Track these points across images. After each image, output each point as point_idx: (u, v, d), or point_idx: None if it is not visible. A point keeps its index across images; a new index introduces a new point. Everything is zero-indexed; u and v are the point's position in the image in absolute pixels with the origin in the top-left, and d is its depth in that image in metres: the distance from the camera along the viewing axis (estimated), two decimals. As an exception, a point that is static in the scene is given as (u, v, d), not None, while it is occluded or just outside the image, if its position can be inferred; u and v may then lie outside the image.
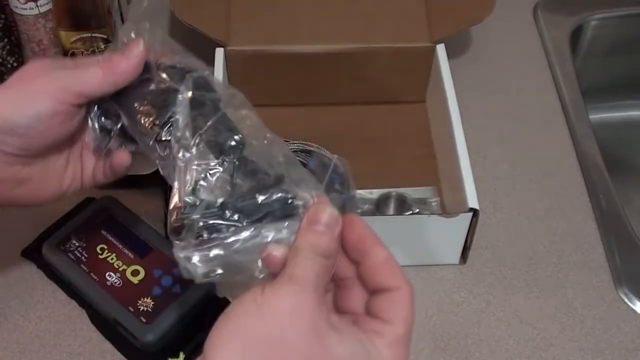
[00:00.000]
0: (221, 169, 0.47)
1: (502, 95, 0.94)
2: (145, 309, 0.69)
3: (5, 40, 0.90)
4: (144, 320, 0.68)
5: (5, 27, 0.89)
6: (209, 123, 0.49)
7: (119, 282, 0.71)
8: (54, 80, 0.54)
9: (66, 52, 0.86)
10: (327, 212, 0.45)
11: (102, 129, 0.58)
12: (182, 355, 0.69)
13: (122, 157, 0.59)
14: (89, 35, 0.85)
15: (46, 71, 0.55)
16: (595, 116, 1.07)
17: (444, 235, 0.74)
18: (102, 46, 0.86)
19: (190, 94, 0.51)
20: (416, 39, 0.87)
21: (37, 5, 0.84)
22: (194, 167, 0.47)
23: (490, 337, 0.72)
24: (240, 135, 0.49)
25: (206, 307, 0.71)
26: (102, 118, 0.58)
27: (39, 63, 0.55)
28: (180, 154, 0.48)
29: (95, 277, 0.71)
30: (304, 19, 0.87)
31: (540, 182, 0.85)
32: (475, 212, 0.71)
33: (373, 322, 0.44)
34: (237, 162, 0.48)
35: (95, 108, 0.58)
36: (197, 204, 0.45)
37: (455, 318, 0.74)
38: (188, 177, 0.47)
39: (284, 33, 0.86)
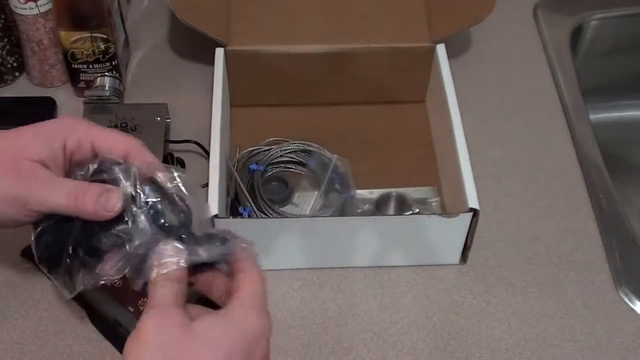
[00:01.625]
0: None
1: (502, 95, 0.94)
2: (145, 309, 0.69)
3: (5, 40, 0.90)
4: (144, 320, 0.68)
5: (5, 27, 0.89)
6: None
7: (119, 282, 0.71)
8: (14, 188, 0.53)
9: (66, 52, 0.86)
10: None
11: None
12: (182, 355, 0.69)
13: None
14: (89, 35, 0.85)
15: (14, 175, 0.53)
16: (595, 116, 1.07)
17: (444, 235, 0.74)
18: (102, 46, 0.86)
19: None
20: (416, 39, 0.87)
21: (37, 5, 0.84)
22: None
23: (490, 337, 0.72)
24: None
25: (206, 307, 0.71)
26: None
27: (19, 164, 0.54)
28: None
29: (95, 277, 0.71)
30: (304, 19, 0.87)
31: (540, 182, 0.85)
32: (475, 212, 0.71)
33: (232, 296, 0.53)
34: None
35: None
36: None
37: (455, 318, 0.74)
38: None
39: (284, 33, 0.86)
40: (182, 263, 0.51)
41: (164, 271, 0.51)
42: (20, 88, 0.93)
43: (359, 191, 0.81)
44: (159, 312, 0.49)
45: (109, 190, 0.52)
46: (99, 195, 0.52)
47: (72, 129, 0.56)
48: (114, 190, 0.52)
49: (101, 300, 0.70)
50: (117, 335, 0.70)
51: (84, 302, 0.72)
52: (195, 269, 0.53)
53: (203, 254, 0.52)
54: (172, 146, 0.85)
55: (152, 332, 0.48)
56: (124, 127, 0.83)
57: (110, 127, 0.83)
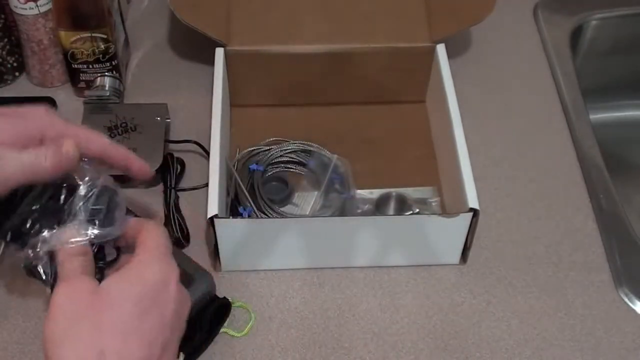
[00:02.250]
0: None
1: (502, 95, 0.94)
2: (145, 309, 0.69)
3: (5, 40, 0.90)
4: (144, 320, 0.68)
5: (5, 27, 0.89)
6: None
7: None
8: None
9: (66, 52, 0.86)
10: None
11: None
12: (181, 356, 0.68)
13: None
14: (89, 35, 0.85)
15: None
16: (595, 116, 1.07)
17: (444, 235, 0.74)
18: (102, 46, 0.86)
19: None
20: (416, 39, 0.87)
21: (37, 5, 0.84)
22: None
23: (490, 337, 0.72)
24: None
25: (206, 307, 0.71)
26: None
27: None
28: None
29: (95, 277, 0.71)
30: (304, 19, 0.87)
31: (540, 182, 0.85)
32: (475, 212, 0.71)
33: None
34: None
35: None
36: None
37: (455, 318, 0.74)
38: None
39: (284, 33, 0.86)
40: (83, 239, 0.54)
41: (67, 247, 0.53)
42: (20, 88, 0.93)
43: (359, 191, 0.81)
44: (65, 283, 0.52)
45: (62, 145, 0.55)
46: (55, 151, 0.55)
47: (50, 125, 0.57)
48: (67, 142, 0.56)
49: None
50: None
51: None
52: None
53: (102, 230, 0.55)
54: (172, 146, 0.85)
55: (62, 303, 0.50)
56: (124, 127, 0.83)
57: (110, 127, 0.83)
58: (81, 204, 0.55)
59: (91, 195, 0.55)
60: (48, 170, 0.54)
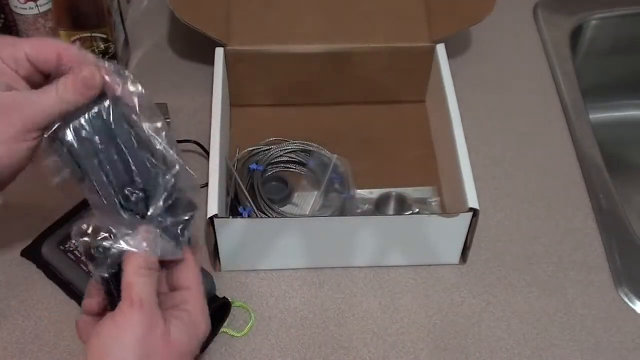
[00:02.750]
0: None
1: (502, 95, 0.94)
2: (145, 309, 0.69)
3: (5, 40, 0.90)
4: (144, 320, 0.68)
5: (5, 27, 0.89)
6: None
7: (119, 282, 0.71)
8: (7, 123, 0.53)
9: (66, 52, 0.86)
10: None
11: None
12: (182, 355, 0.69)
13: None
14: (89, 35, 0.85)
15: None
16: (595, 116, 1.07)
17: (444, 235, 0.74)
18: (102, 46, 0.86)
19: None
20: (416, 39, 0.87)
21: (37, 5, 0.84)
22: None
23: (490, 337, 0.72)
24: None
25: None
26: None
27: None
28: None
29: (95, 277, 0.71)
30: (304, 19, 0.87)
31: (540, 182, 0.85)
32: (475, 212, 0.71)
33: (177, 294, 0.56)
34: None
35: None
36: None
37: (455, 318, 0.74)
38: None
39: (284, 33, 0.86)
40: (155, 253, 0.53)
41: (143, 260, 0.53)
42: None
43: (359, 191, 0.81)
44: (145, 315, 0.51)
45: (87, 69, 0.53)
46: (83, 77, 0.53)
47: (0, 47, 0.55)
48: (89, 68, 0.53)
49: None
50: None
51: (84, 302, 0.73)
52: None
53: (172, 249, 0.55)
54: (172, 146, 0.85)
55: (139, 337, 0.50)
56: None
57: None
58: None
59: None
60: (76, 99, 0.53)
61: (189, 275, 0.56)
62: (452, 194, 0.78)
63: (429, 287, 0.76)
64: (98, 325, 0.52)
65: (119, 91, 0.54)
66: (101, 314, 0.55)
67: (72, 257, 0.73)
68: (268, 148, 0.84)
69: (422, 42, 0.86)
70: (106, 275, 0.53)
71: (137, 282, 0.52)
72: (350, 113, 0.90)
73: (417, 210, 0.79)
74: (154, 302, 0.52)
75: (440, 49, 0.86)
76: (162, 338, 0.51)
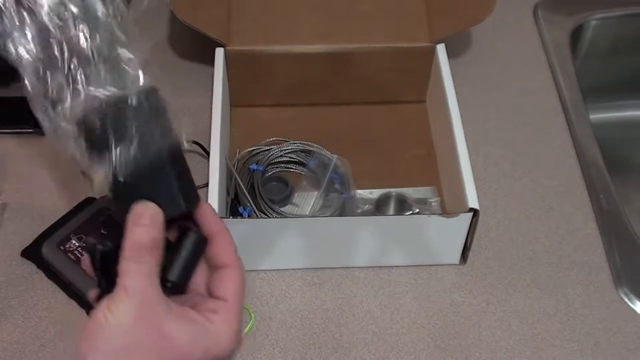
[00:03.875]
0: None
1: (502, 95, 0.94)
2: (145, 309, 0.69)
3: (5, 40, 0.90)
4: (144, 320, 0.68)
5: (5, 27, 0.89)
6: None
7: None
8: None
9: (66, 52, 0.86)
10: (149, 207, 0.50)
11: None
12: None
13: None
14: (89, 35, 0.85)
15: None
16: (595, 116, 1.07)
17: (444, 235, 0.74)
18: (102, 46, 0.86)
19: None
20: (416, 39, 0.87)
21: (37, 5, 0.84)
22: None
23: (490, 337, 0.72)
24: None
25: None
26: None
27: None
28: None
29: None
30: (303, 19, 0.87)
31: (540, 182, 0.85)
32: (475, 212, 0.71)
33: (210, 301, 0.52)
34: None
35: None
36: None
37: (455, 318, 0.74)
38: None
39: (284, 33, 0.86)
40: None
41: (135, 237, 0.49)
42: (20, 88, 0.93)
43: (359, 191, 0.81)
44: (138, 302, 0.47)
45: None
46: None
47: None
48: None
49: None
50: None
51: (84, 302, 0.73)
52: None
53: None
54: (172, 146, 0.85)
55: (128, 328, 0.47)
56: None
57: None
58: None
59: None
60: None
61: (228, 286, 0.52)
62: (452, 194, 0.78)
63: (429, 287, 0.76)
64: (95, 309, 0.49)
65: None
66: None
67: (72, 257, 0.73)
68: (268, 148, 0.84)
69: (422, 42, 0.86)
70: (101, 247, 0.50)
71: (131, 268, 0.48)
72: (350, 113, 0.90)
73: (417, 210, 0.79)
74: (151, 290, 0.48)
75: (440, 49, 0.86)
76: (156, 330, 0.47)
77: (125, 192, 0.50)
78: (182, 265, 0.51)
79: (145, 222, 0.49)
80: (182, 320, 0.49)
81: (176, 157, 0.52)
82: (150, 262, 0.49)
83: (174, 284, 0.51)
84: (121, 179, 0.49)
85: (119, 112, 0.50)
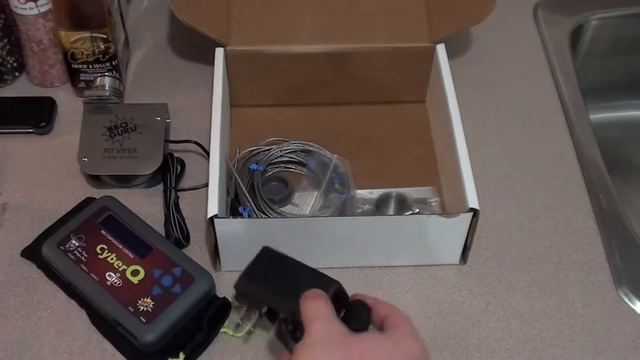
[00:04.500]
0: None
1: (502, 95, 0.94)
2: (145, 309, 0.69)
3: (5, 40, 0.90)
4: (144, 320, 0.68)
5: (5, 27, 0.89)
6: None
7: (119, 282, 0.71)
8: None
9: (66, 52, 0.86)
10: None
11: None
12: (182, 355, 0.69)
13: None
14: (89, 35, 0.85)
15: None
16: (595, 116, 1.07)
17: (444, 235, 0.74)
18: (102, 46, 0.86)
19: None
20: (416, 39, 0.87)
21: (37, 5, 0.84)
22: None
23: (490, 337, 0.72)
24: None
25: (206, 307, 0.71)
26: None
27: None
28: None
29: (95, 277, 0.71)
30: (303, 19, 0.87)
31: (540, 182, 0.85)
32: (475, 212, 0.71)
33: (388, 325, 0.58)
34: None
35: None
36: None
37: (455, 318, 0.74)
38: None
39: (284, 33, 0.86)
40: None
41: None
42: (20, 88, 0.93)
43: (359, 191, 0.81)
44: (322, 321, 0.56)
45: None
46: None
47: None
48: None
49: (101, 300, 0.70)
50: (117, 335, 0.70)
51: (84, 302, 0.73)
52: None
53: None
54: (172, 146, 0.85)
55: (320, 334, 0.55)
56: (124, 127, 0.83)
57: (110, 127, 0.83)
58: None
59: None
60: None
61: (397, 323, 0.57)
62: (452, 194, 0.78)
63: (429, 287, 0.76)
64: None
65: None
66: None
67: (72, 257, 0.73)
68: (268, 148, 0.84)
69: (422, 42, 0.86)
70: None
71: (308, 310, 0.57)
72: (350, 113, 0.90)
73: (417, 210, 0.79)
74: (329, 314, 0.56)
75: (440, 49, 0.86)
76: (340, 331, 0.55)
77: None
78: (359, 318, 0.59)
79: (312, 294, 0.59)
80: (366, 332, 0.58)
81: None
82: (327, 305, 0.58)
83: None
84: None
85: None
